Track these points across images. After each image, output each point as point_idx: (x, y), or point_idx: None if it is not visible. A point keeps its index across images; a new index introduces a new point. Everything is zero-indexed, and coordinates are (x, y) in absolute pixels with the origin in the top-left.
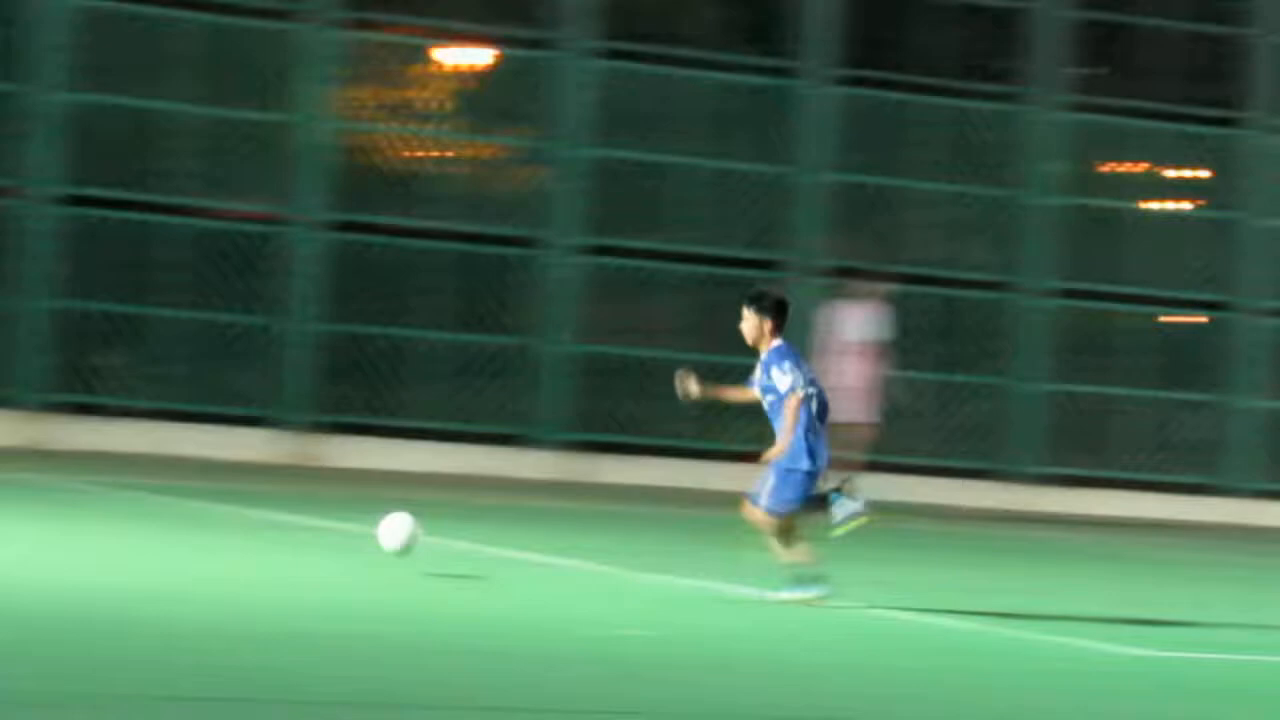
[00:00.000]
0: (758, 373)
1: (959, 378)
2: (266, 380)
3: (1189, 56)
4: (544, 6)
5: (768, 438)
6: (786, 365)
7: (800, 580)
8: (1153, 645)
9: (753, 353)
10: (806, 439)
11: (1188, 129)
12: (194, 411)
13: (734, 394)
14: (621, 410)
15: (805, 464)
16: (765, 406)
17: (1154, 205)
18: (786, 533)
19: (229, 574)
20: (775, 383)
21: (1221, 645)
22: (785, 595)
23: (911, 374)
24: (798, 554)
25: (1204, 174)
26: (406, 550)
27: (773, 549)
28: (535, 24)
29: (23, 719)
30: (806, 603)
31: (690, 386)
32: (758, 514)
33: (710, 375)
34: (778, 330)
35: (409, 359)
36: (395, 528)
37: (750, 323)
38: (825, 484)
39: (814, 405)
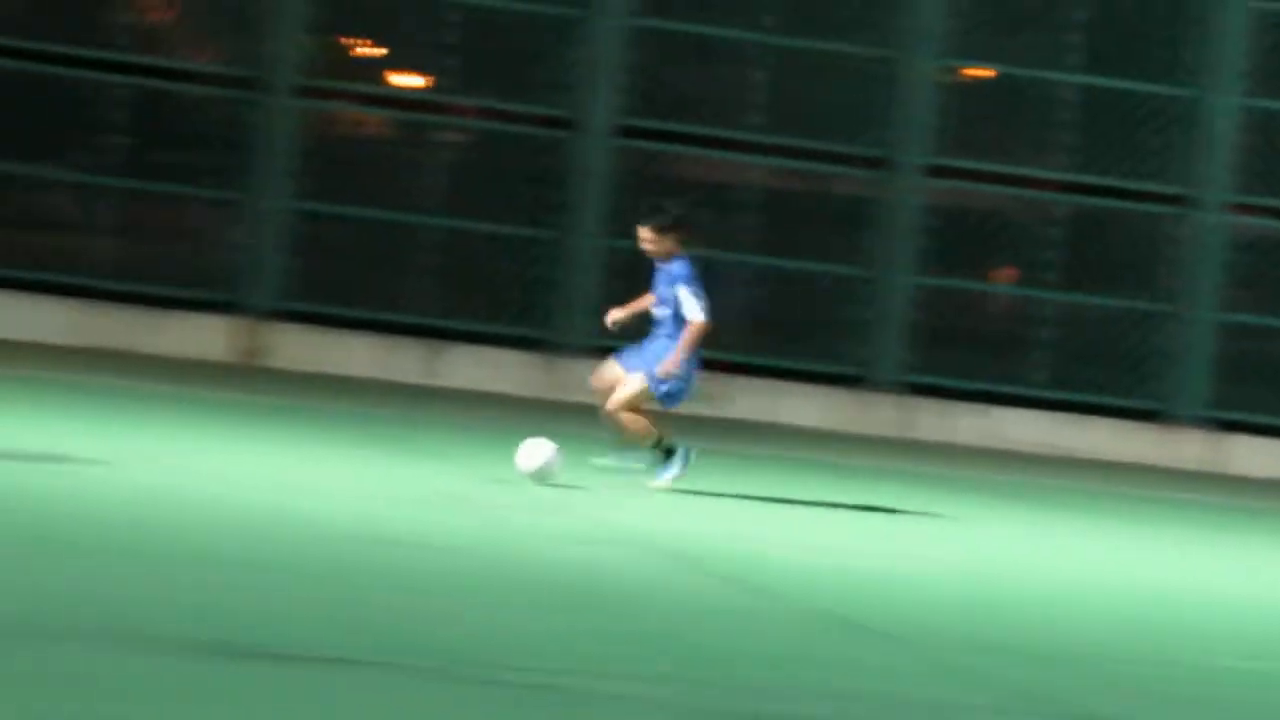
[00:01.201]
0: (659, 281)
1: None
2: None
3: None
4: None
5: None
6: (697, 290)
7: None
8: None
9: None
10: (691, 362)
11: None
12: None
13: (640, 304)
14: None
15: (681, 383)
16: (659, 312)
17: None
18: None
19: None
20: (682, 300)
21: None
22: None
23: None
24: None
25: None
26: (540, 476)
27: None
28: None
29: None
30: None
31: (611, 318)
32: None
33: None
34: (682, 244)
35: None
36: (534, 452)
37: (659, 242)
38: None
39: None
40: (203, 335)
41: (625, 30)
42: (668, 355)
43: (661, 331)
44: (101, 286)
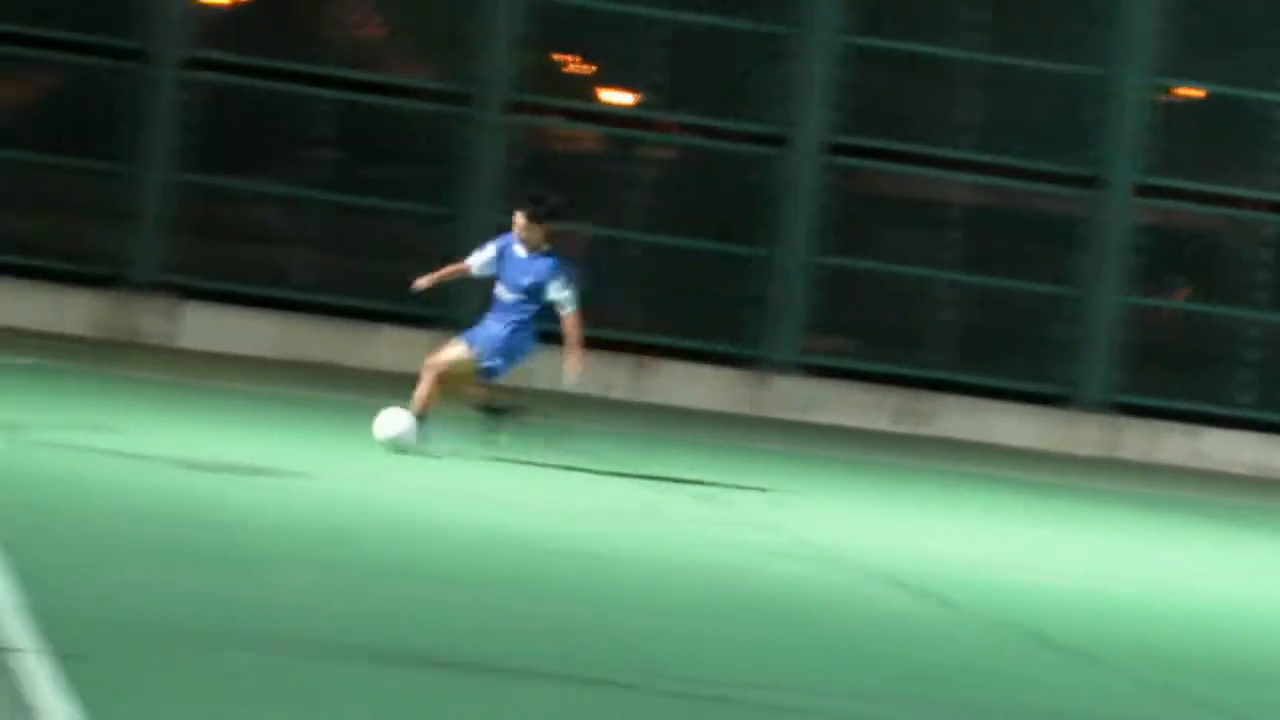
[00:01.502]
0: (515, 267)
1: None
2: None
3: None
4: None
5: None
6: (568, 281)
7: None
8: None
9: None
10: (533, 336)
11: None
12: None
13: (450, 270)
14: None
15: (522, 354)
16: (507, 297)
17: None
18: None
19: None
20: (551, 292)
21: None
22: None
23: None
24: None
25: None
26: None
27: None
28: None
29: None
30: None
31: (420, 284)
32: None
33: None
34: (552, 236)
35: None
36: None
37: (531, 231)
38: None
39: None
40: (408, 349)
41: (836, 47)
42: (558, 351)
43: (510, 317)
44: (309, 300)
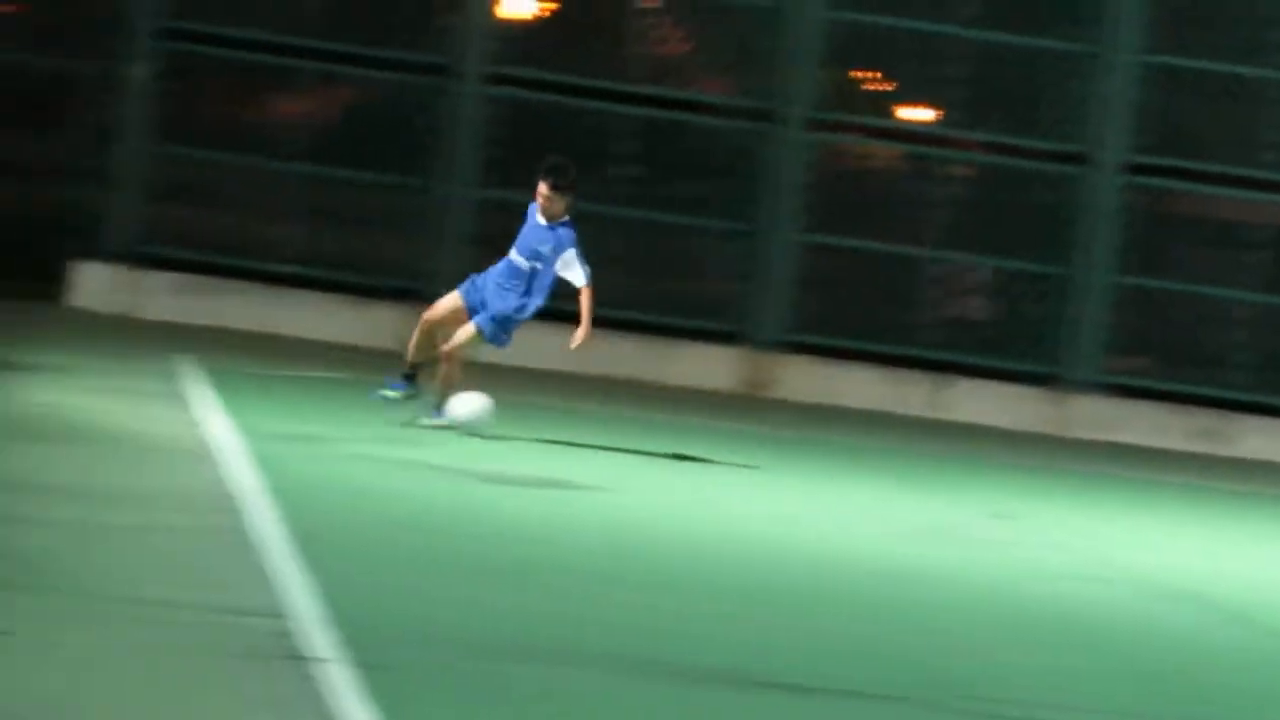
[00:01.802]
0: (534, 234)
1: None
2: None
3: None
4: None
5: None
6: (579, 253)
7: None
8: None
9: None
10: (536, 302)
11: None
12: None
13: None
14: None
15: (519, 316)
16: (524, 266)
17: None
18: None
19: None
20: (564, 264)
21: None
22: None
23: None
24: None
25: None
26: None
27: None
28: None
29: None
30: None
31: None
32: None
33: None
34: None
35: None
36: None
37: (554, 200)
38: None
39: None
40: (710, 366)
41: (1138, 66)
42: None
43: (514, 284)
44: (611, 316)
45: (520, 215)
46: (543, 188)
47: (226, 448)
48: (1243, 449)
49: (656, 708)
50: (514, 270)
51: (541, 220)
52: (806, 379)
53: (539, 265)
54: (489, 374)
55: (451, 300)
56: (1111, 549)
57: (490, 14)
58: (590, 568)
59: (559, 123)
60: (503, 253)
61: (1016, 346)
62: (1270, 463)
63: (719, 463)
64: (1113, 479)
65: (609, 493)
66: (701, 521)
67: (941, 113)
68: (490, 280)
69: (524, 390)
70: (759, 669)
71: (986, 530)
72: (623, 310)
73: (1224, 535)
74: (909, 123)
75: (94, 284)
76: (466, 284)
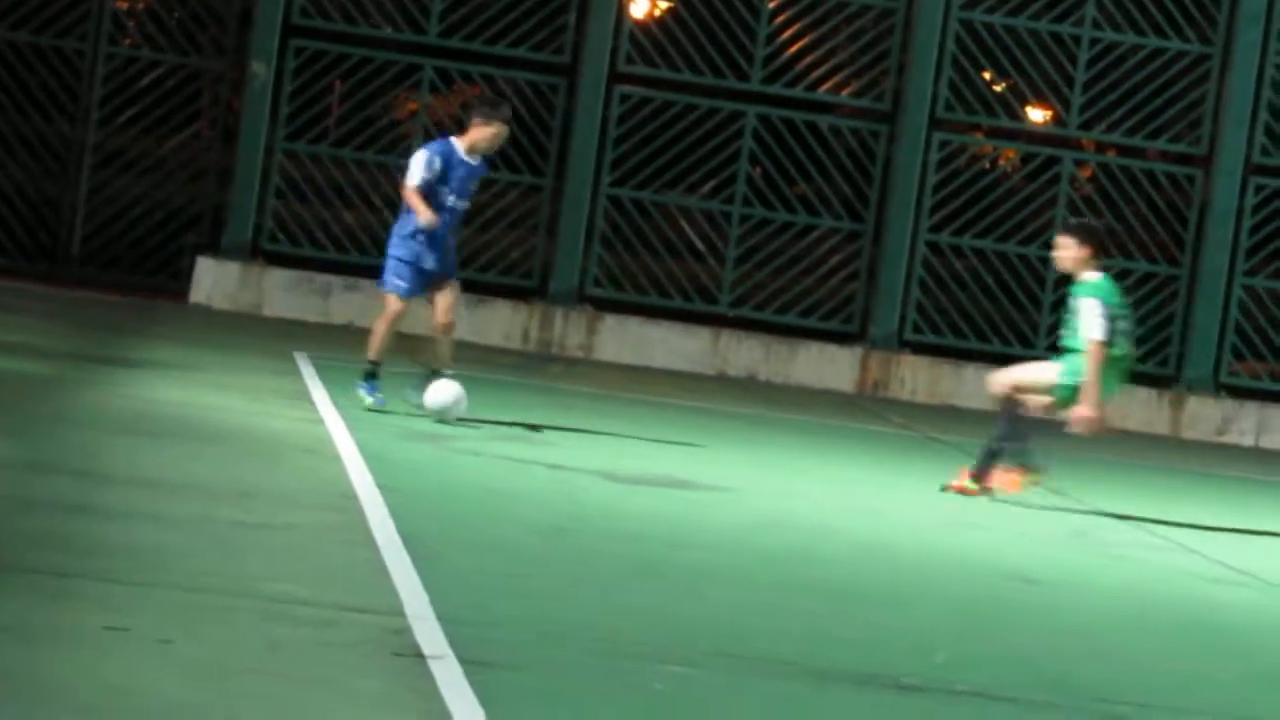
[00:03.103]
0: (468, 173)
1: None
2: None
3: None
4: None
5: None
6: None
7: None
8: None
9: None
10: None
11: None
12: None
13: (420, 204)
14: None
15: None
16: (459, 205)
17: None
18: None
19: None
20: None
21: None
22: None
23: None
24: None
25: None
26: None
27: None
28: None
29: None
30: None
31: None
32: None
33: None
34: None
35: None
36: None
37: (484, 134)
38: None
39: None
40: (830, 365)
41: (1262, 68)
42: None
43: (456, 226)
44: (734, 315)
45: (642, 213)
46: (491, 125)
47: (347, 445)
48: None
49: (782, 708)
50: (454, 214)
51: (471, 159)
52: (924, 379)
53: (468, 204)
54: (602, 371)
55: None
56: (1229, 550)
57: (614, 13)
58: (713, 568)
59: (682, 121)
60: (624, 251)
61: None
62: None
63: (841, 464)
64: (1228, 480)
65: (733, 492)
66: (828, 522)
67: (1066, 113)
68: (445, 240)
69: (645, 390)
70: (886, 670)
71: (1115, 533)
72: (743, 308)
73: None
74: (1033, 124)
75: (216, 280)
76: (438, 260)
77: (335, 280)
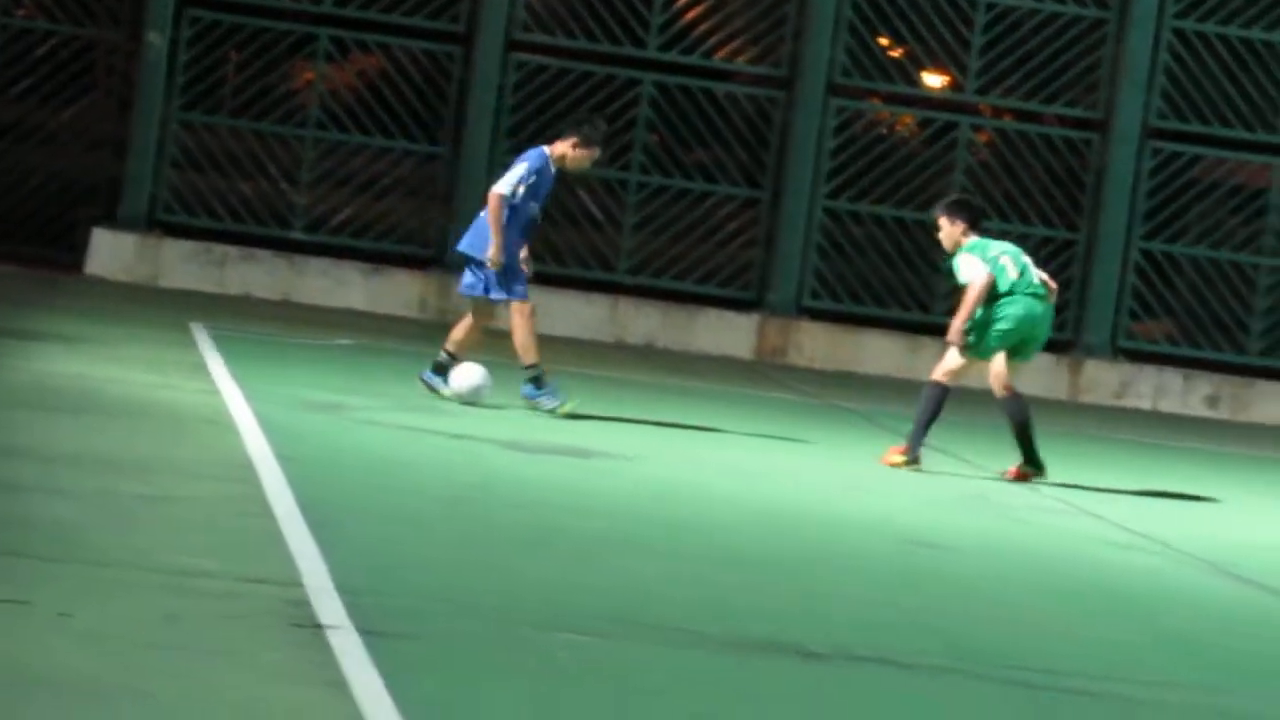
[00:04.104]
0: (549, 184)
1: None
2: None
3: None
4: None
5: None
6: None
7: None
8: None
9: None
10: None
11: None
12: None
13: (498, 224)
14: None
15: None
16: (536, 217)
17: None
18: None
19: None
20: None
21: None
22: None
23: None
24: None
25: None
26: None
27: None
28: None
29: None
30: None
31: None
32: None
33: None
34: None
35: None
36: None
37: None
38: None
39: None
40: (729, 332)
41: (1158, 32)
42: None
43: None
44: (631, 283)
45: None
46: (589, 145)
47: (245, 416)
48: (1256, 414)
49: (684, 676)
50: (533, 226)
51: (552, 170)
52: (823, 346)
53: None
54: (503, 342)
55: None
56: (1136, 515)
57: None
58: (614, 536)
59: (579, 89)
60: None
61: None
62: None
63: (740, 431)
64: (1127, 444)
65: (633, 460)
66: (728, 490)
67: (962, 79)
68: (513, 249)
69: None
70: (792, 638)
71: (1006, 497)
72: (643, 277)
73: (1244, 500)
74: (928, 89)
75: (112, 252)
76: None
77: (232, 251)
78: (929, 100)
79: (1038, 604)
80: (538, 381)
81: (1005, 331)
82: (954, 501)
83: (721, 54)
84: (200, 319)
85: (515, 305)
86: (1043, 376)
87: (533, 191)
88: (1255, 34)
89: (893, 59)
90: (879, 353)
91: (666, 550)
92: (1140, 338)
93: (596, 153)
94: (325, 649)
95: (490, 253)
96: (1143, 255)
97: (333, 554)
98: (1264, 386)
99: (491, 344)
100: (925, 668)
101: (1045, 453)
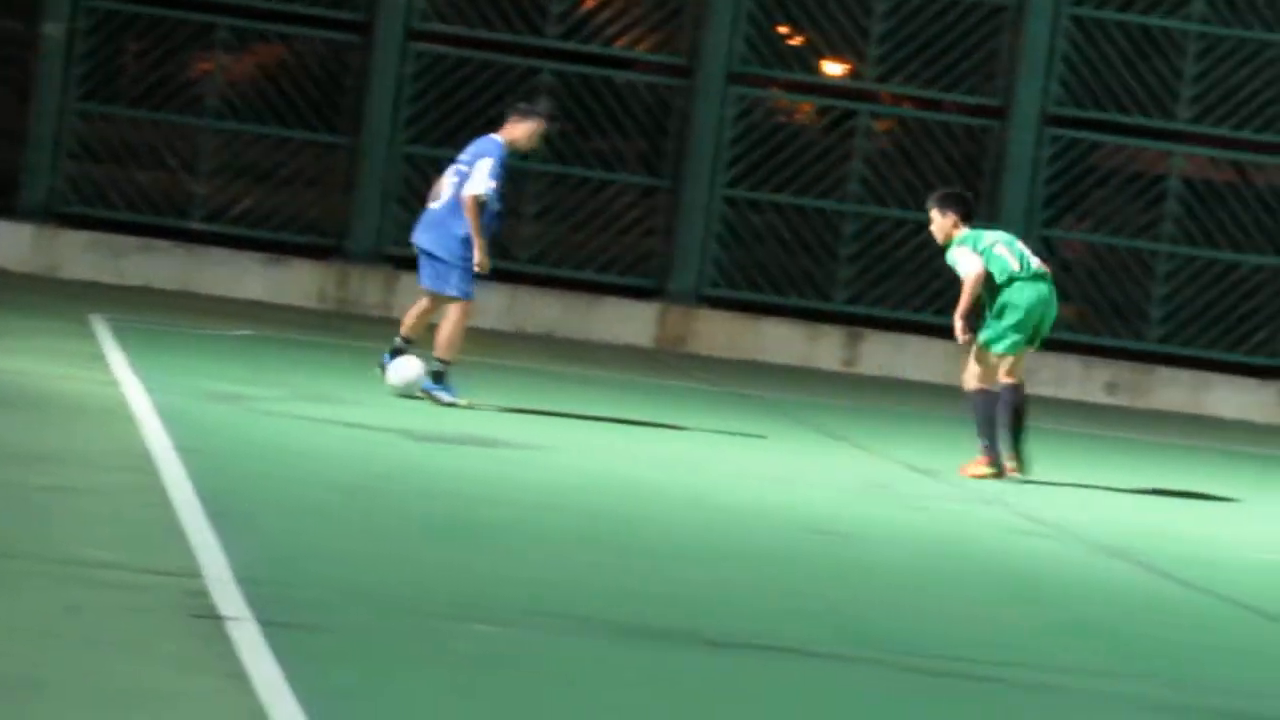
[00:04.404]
0: (506, 173)
1: None
2: None
3: None
4: None
5: None
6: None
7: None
8: None
9: None
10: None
11: None
12: None
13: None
14: None
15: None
16: (495, 207)
17: None
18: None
19: None
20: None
21: None
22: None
23: None
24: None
25: None
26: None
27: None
28: None
29: None
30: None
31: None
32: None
33: None
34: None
35: None
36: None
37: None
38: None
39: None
40: (629, 321)
41: (1056, 19)
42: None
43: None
44: (531, 272)
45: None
46: (540, 124)
47: (145, 407)
48: (1156, 401)
49: (593, 665)
50: (494, 216)
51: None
52: (725, 334)
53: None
54: (396, 330)
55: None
56: (1038, 502)
57: None
58: (521, 526)
59: (478, 78)
60: (421, 209)
61: (930, 301)
62: (1184, 414)
63: (644, 420)
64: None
65: (534, 450)
66: (634, 479)
67: (862, 66)
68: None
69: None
70: (700, 627)
71: (907, 485)
72: (544, 266)
73: (1144, 487)
74: (829, 77)
75: (10, 243)
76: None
77: (131, 241)
78: (829, 88)
79: (940, 591)
80: (440, 377)
81: (1019, 321)
82: (858, 490)
83: (621, 43)
84: (99, 310)
85: (462, 303)
86: (946, 364)
87: (498, 184)
88: (1153, 21)
89: (792, 47)
90: (779, 341)
91: (575, 540)
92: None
93: (542, 122)
94: (226, 640)
95: (477, 257)
96: (1043, 242)
97: (234, 545)
98: (1163, 373)
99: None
100: (829, 656)
101: (945, 440)
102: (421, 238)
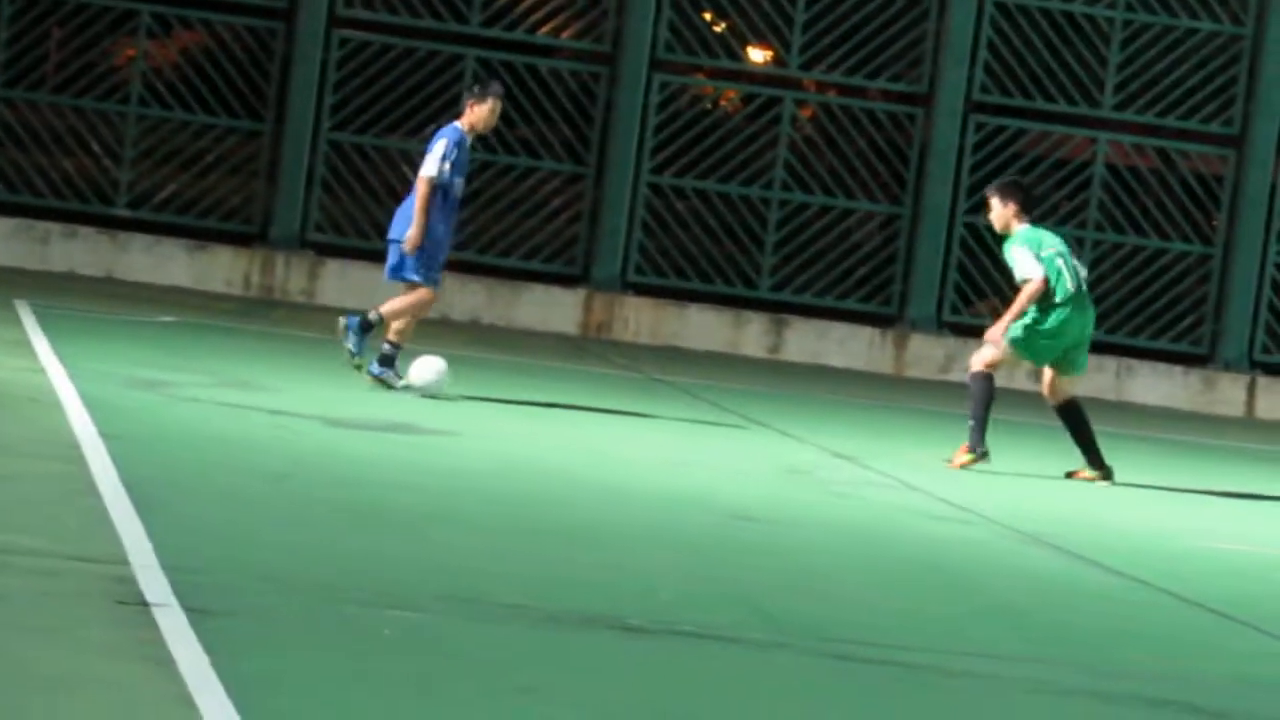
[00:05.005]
0: (467, 157)
1: None
2: None
3: None
4: None
5: None
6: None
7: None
8: None
9: None
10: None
11: None
12: None
13: (425, 204)
14: None
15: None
16: (457, 194)
17: None
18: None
19: None
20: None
21: None
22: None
23: None
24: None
25: None
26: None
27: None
28: None
29: None
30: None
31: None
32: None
33: None
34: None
35: None
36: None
37: (493, 115)
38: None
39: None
40: (554, 308)
41: (980, 6)
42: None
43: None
44: (456, 259)
45: (363, 158)
46: (496, 104)
47: (69, 394)
48: (1079, 388)
49: (508, 650)
50: (453, 204)
51: (469, 141)
52: (648, 321)
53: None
54: (323, 316)
55: None
56: (951, 487)
57: None
58: (441, 512)
59: (401, 65)
60: (345, 196)
61: (859, 287)
62: (1107, 401)
63: (567, 406)
64: (951, 418)
65: (456, 436)
66: (554, 465)
67: (786, 54)
68: (440, 229)
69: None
70: (615, 612)
71: (831, 472)
72: (465, 253)
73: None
74: (752, 64)
75: None
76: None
77: (55, 227)
78: (753, 75)
79: (858, 577)
80: (388, 361)
81: (1055, 344)
82: (776, 476)
83: (544, 30)
84: (23, 296)
85: (424, 289)
86: (868, 350)
87: (457, 167)
88: (1077, 7)
89: (716, 34)
90: (703, 327)
91: (492, 526)
92: (964, 312)
93: (496, 102)
94: (150, 626)
95: (410, 233)
96: (967, 230)
97: (158, 532)
98: (1090, 361)
99: (215, 305)
100: (745, 641)
101: (866, 427)
102: (391, 230)
